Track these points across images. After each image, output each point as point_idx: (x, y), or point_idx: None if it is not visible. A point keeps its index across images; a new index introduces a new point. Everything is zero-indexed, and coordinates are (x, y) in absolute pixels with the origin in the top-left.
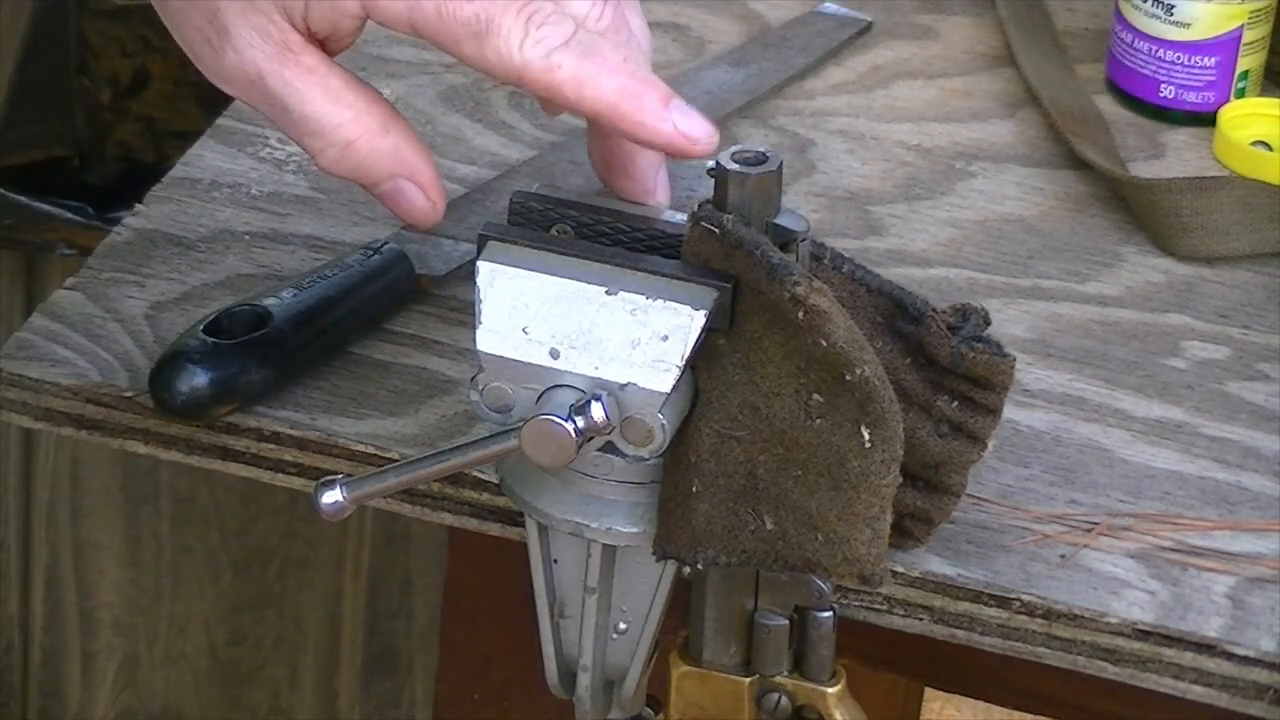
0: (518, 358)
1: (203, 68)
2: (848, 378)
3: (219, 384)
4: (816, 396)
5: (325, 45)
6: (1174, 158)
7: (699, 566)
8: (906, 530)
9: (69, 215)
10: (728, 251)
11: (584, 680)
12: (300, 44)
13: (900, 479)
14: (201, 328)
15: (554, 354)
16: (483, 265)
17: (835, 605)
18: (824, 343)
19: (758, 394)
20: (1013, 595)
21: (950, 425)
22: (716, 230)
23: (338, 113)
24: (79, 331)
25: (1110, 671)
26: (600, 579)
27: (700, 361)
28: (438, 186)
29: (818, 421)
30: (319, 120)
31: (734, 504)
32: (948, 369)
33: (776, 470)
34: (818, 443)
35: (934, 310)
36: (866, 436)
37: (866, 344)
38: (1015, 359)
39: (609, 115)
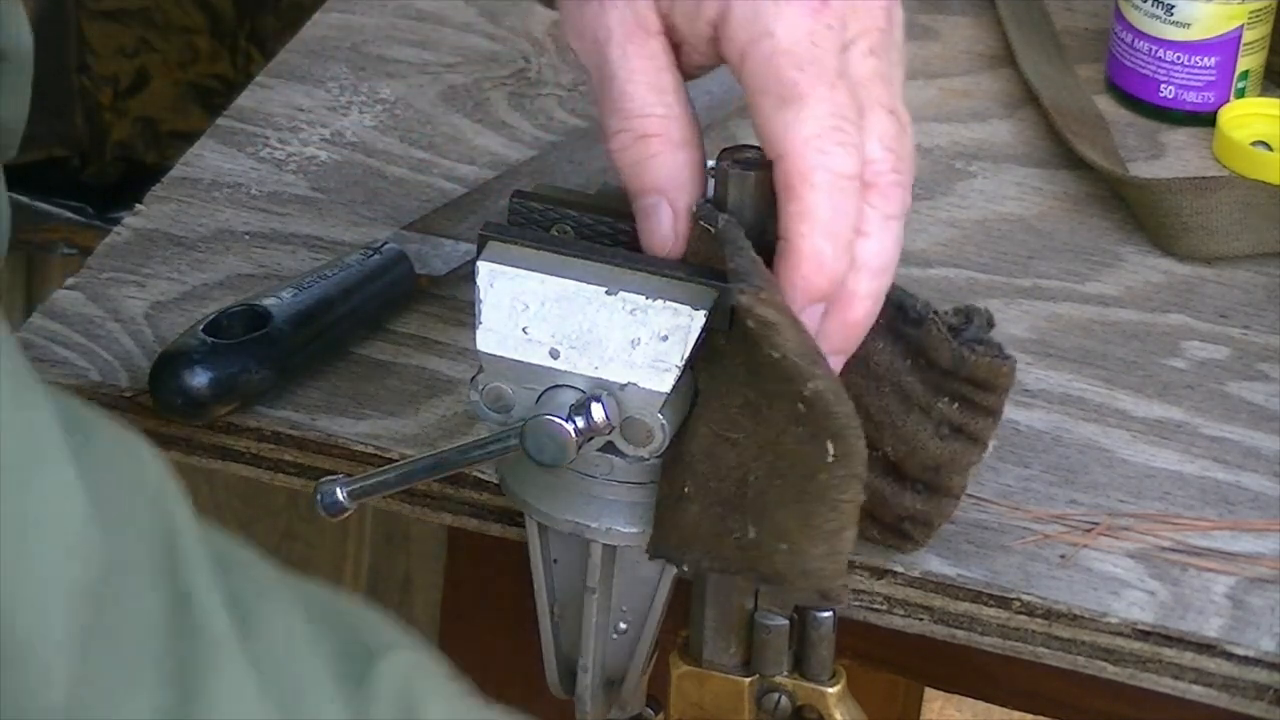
0: (517, 358)
1: (563, 13)
2: (805, 393)
3: (219, 384)
4: (800, 407)
5: (679, 52)
6: (1174, 158)
7: (684, 569)
8: (905, 533)
9: (69, 215)
10: (721, 251)
11: (584, 680)
12: (655, 28)
13: (863, 497)
14: (201, 328)
15: (554, 354)
16: (482, 265)
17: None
18: (774, 354)
19: (761, 395)
20: (1013, 595)
21: (951, 427)
22: (711, 230)
23: (650, 104)
24: (79, 331)
25: (1110, 671)
26: (600, 579)
27: (700, 361)
28: (686, 223)
29: (799, 429)
30: (631, 101)
31: (723, 510)
32: (949, 371)
33: (765, 478)
34: (797, 451)
35: (935, 313)
36: (830, 450)
37: (821, 358)
38: (1016, 361)
39: (798, 248)
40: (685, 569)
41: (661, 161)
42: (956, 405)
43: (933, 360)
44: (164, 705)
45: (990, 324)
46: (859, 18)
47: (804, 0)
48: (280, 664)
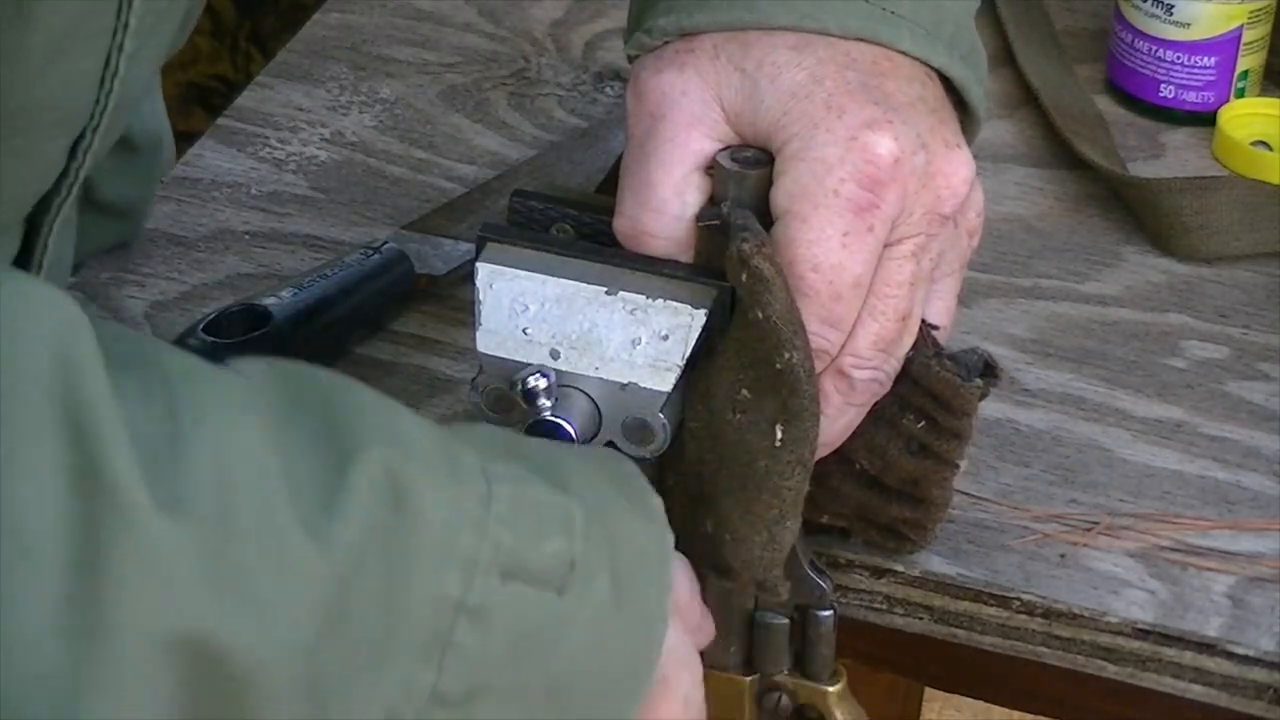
0: (518, 359)
1: (636, 69)
2: (777, 364)
3: None
4: (745, 392)
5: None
6: (1174, 158)
7: None
8: (902, 535)
9: None
10: (726, 242)
11: None
12: (713, 126)
13: (807, 487)
14: (201, 327)
15: (554, 355)
16: (481, 266)
17: (835, 605)
18: (760, 314)
19: (708, 381)
20: (1013, 594)
21: (919, 444)
22: (718, 221)
23: (668, 202)
24: None
25: (1110, 671)
26: None
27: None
28: None
29: (739, 417)
30: (653, 194)
31: (691, 503)
32: (915, 380)
33: (716, 469)
34: (736, 439)
35: (924, 321)
36: (779, 434)
37: (803, 330)
38: (980, 388)
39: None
40: None
41: (657, 252)
42: (922, 424)
43: (905, 366)
44: (68, 592)
45: (990, 370)
46: (912, 223)
47: (855, 194)
48: (214, 497)
